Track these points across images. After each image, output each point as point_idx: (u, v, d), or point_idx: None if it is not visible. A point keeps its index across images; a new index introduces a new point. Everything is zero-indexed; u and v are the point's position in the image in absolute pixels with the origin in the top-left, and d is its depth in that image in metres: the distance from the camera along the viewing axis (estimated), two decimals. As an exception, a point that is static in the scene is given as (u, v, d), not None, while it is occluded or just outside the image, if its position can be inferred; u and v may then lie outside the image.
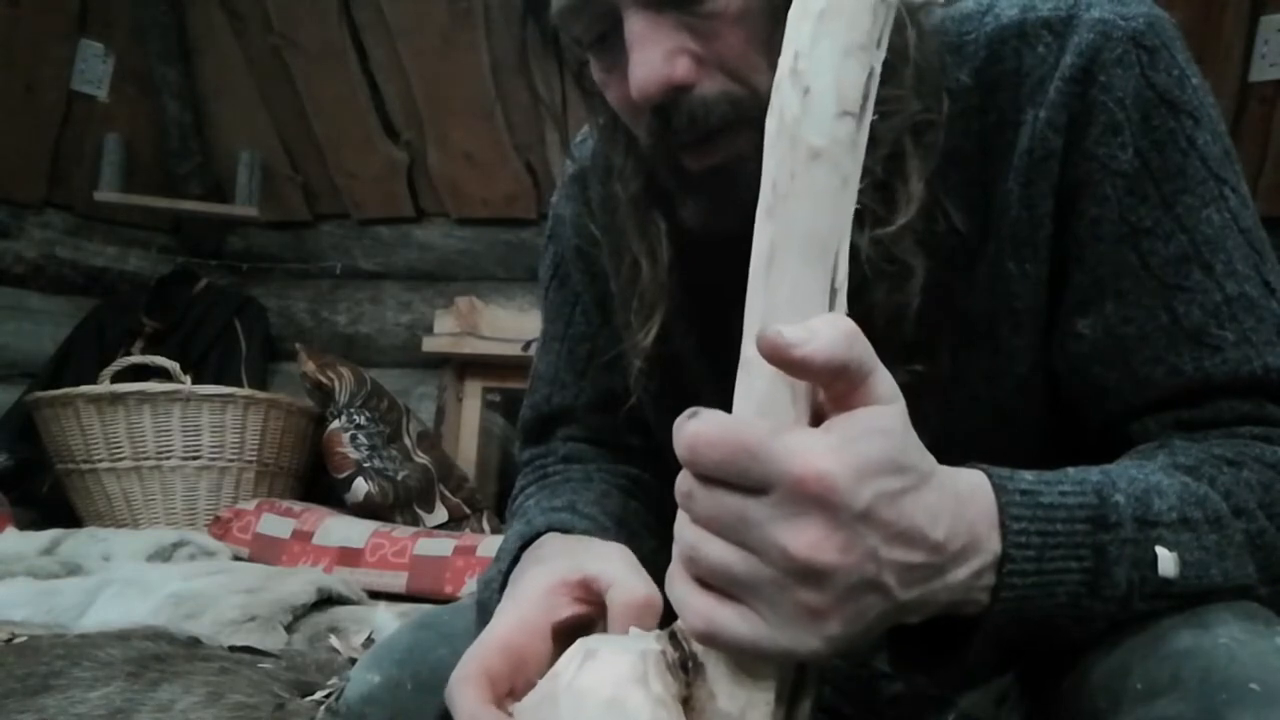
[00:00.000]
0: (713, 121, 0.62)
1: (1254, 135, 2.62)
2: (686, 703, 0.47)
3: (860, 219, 0.63)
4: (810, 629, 0.43)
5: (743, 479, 0.43)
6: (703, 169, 0.64)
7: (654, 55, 0.60)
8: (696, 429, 0.44)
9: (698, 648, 0.47)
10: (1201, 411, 0.60)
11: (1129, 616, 0.51)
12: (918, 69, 0.63)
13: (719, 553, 0.44)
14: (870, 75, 0.46)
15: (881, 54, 0.46)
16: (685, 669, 0.47)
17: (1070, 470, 0.53)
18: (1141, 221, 0.62)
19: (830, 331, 0.43)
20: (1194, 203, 0.61)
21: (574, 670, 0.49)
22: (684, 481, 0.45)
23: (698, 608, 0.45)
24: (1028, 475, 0.51)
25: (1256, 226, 0.63)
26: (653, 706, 0.46)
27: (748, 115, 0.61)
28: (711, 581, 0.45)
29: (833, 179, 0.45)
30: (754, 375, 0.45)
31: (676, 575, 0.46)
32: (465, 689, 0.54)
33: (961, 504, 0.46)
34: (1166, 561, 0.51)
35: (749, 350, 0.45)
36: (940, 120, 0.64)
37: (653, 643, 0.48)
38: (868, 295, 0.61)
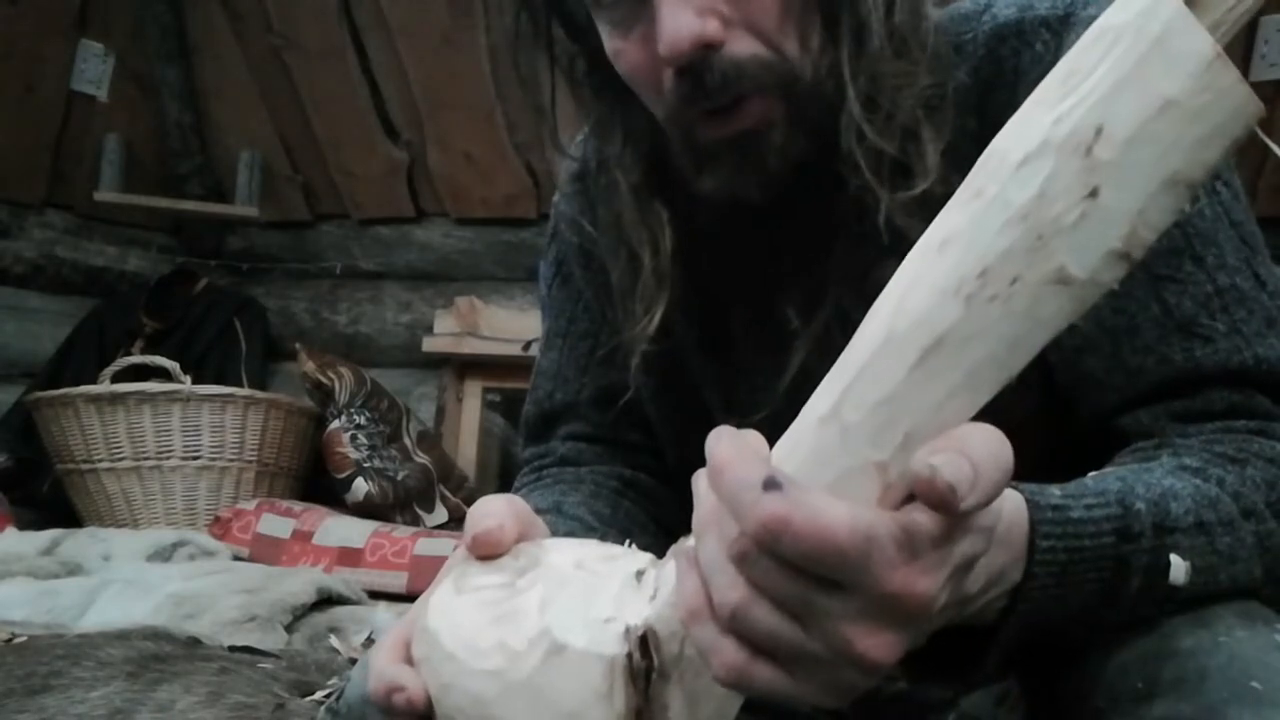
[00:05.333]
0: (745, 84, 0.62)
1: (1254, 135, 2.61)
2: (639, 714, 0.44)
3: (877, 191, 0.62)
4: (842, 696, 0.42)
5: (822, 573, 0.39)
6: (722, 137, 0.64)
7: (686, 10, 0.60)
8: (784, 512, 0.37)
9: (667, 659, 0.44)
10: (1193, 402, 0.60)
11: (1131, 619, 0.51)
12: (928, 42, 0.64)
13: (771, 623, 0.40)
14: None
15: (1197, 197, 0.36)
16: (648, 678, 0.44)
17: (1088, 481, 0.52)
18: None
19: (995, 477, 0.38)
20: None
21: (536, 660, 0.44)
22: (742, 544, 0.40)
23: (731, 662, 0.41)
24: (1056, 491, 0.49)
25: (1248, 220, 0.63)
26: None
27: (775, 81, 0.62)
28: (751, 641, 0.41)
29: (1067, 316, 0.37)
30: (842, 447, 0.38)
31: (705, 619, 0.42)
32: (379, 653, 0.51)
33: (998, 549, 0.44)
34: (1178, 570, 0.51)
35: (851, 416, 0.38)
36: (950, 96, 0.64)
37: (615, 644, 0.44)
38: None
